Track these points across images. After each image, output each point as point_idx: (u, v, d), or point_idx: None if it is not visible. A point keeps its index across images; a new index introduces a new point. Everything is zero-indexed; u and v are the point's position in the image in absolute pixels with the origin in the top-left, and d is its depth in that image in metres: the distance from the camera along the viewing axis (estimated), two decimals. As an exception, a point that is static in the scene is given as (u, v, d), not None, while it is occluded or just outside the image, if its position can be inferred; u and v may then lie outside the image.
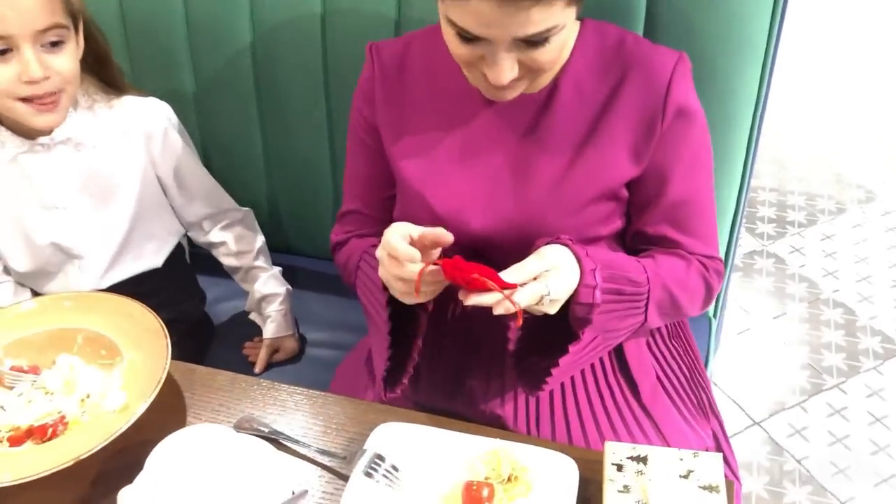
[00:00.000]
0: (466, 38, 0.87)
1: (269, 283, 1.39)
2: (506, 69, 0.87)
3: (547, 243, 0.92)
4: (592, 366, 1.08)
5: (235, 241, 1.39)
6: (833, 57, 3.29)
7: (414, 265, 0.87)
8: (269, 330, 1.37)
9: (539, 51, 0.87)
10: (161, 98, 1.28)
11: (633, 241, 1.07)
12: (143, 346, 0.98)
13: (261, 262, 1.40)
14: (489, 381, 1.06)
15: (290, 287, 1.41)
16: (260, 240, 1.42)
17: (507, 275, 0.84)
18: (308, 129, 1.41)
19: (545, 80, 1.00)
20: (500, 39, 0.85)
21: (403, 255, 0.87)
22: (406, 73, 1.06)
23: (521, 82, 0.93)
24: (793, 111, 2.97)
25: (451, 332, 1.09)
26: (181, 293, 1.40)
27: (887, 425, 1.87)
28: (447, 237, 0.88)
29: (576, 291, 0.90)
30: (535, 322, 0.93)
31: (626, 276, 0.95)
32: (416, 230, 0.89)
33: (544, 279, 0.86)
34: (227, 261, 1.40)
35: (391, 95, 1.06)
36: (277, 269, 1.42)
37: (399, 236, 0.88)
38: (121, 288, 1.23)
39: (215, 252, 1.41)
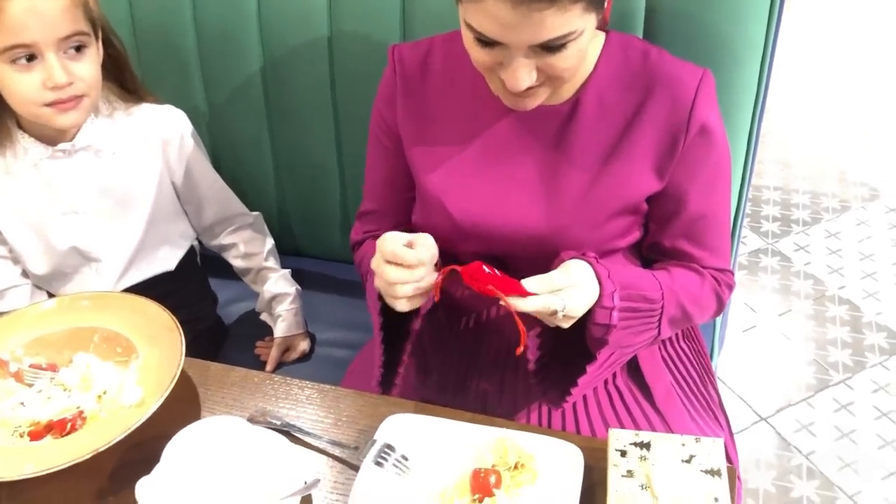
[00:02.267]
0: (484, 42, 0.87)
1: (279, 284, 1.41)
2: (523, 75, 0.87)
3: (572, 257, 0.94)
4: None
5: (245, 244, 1.41)
6: (835, 57, 3.30)
7: (423, 270, 0.90)
8: (280, 329, 1.39)
9: (557, 57, 0.87)
10: (171, 102, 1.31)
11: (650, 251, 1.10)
12: (158, 343, 1.01)
13: (270, 264, 1.43)
14: (501, 384, 1.08)
15: (299, 287, 1.44)
16: (269, 242, 1.45)
17: (530, 283, 0.87)
18: (317, 134, 1.44)
19: (567, 90, 1.00)
20: (516, 44, 0.85)
21: (413, 259, 0.89)
22: (427, 77, 1.07)
23: (540, 90, 0.92)
24: (796, 112, 2.99)
25: (461, 335, 1.11)
26: (194, 295, 1.43)
27: (894, 419, 1.88)
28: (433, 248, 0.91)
29: (593, 311, 0.92)
30: (553, 336, 0.96)
31: (642, 295, 0.97)
32: (411, 237, 0.91)
33: (563, 294, 0.88)
34: (237, 263, 1.43)
35: (412, 99, 1.07)
36: (287, 271, 1.45)
37: (399, 244, 0.90)
38: (135, 290, 1.26)
39: (226, 255, 1.43)
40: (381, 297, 0.98)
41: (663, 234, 1.06)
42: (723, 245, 1.08)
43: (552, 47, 0.85)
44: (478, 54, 0.90)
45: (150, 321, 1.03)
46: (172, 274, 1.35)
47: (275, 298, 1.41)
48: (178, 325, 1.01)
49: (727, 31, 1.17)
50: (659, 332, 1.02)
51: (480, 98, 1.03)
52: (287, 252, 1.55)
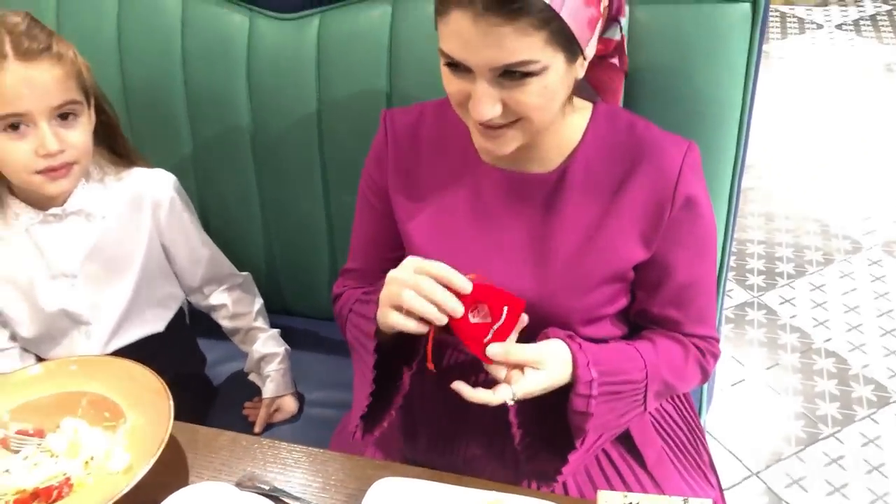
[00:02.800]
0: (453, 67, 0.90)
1: (267, 344, 1.41)
2: (486, 103, 0.88)
3: (557, 336, 0.96)
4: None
5: (234, 304, 1.42)
6: (814, 114, 3.38)
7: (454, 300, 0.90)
8: (269, 389, 1.39)
9: (520, 90, 0.88)
10: (161, 165, 1.33)
11: (637, 318, 1.11)
12: (146, 407, 1.01)
13: (259, 323, 1.43)
14: (489, 449, 1.08)
15: (288, 347, 1.44)
16: (258, 302, 1.45)
17: (495, 349, 0.90)
18: (305, 194, 1.46)
19: (555, 159, 1.02)
20: (477, 65, 0.87)
21: (446, 272, 0.89)
22: (418, 142, 1.09)
23: (510, 133, 0.93)
24: (778, 167, 3.04)
25: (449, 399, 1.11)
26: (182, 356, 1.43)
27: (884, 473, 1.88)
28: (466, 286, 0.90)
29: (570, 399, 0.94)
30: (538, 413, 0.97)
31: (625, 380, 0.99)
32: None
33: (517, 382, 0.91)
34: (226, 323, 1.43)
35: (402, 163, 1.09)
36: (276, 331, 1.45)
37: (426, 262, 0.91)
38: (124, 352, 1.26)
39: (215, 315, 1.44)
40: (376, 334, 0.98)
41: (651, 302, 1.07)
42: (709, 313, 1.09)
43: (513, 75, 0.87)
44: (450, 85, 0.92)
45: (138, 385, 1.03)
46: (162, 335, 1.35)
47: (263, 358, 1.41)
48: (167, 389, 1.01)
49: (705, 94, 1.21)
50: (644, 409, 1.04)
51: (471, 164, 1.06)
52: (276, 311, 1.56)
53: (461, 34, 0.86)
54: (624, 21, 1.06)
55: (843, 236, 2.67)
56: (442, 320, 0.89)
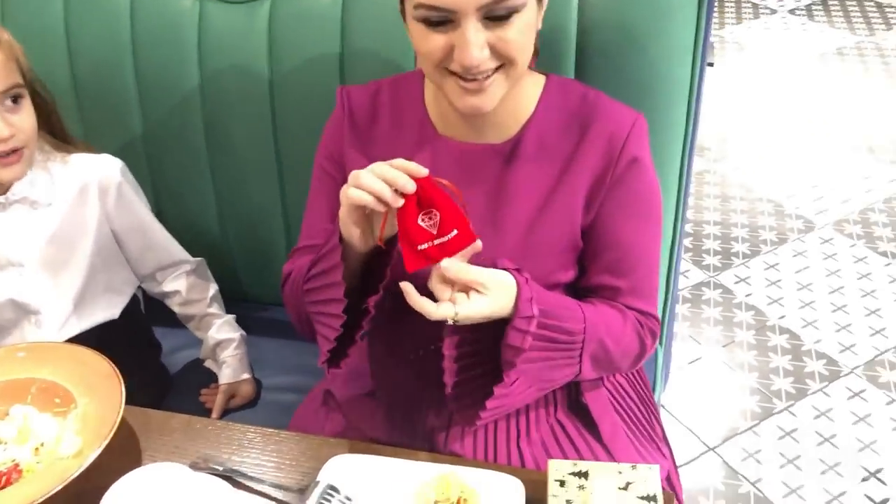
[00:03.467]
0: (433, 22, 0.90)
1: (222, 329, 1.41)
2: (474, 44, 0.90)
3: (505, 268, 0.94)
4: (554, 406, 1.11)
5: (188, 290, 1.41)
6: (767, 98, 3.43)
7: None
8: (225, 375, 1.39)
9: (505, 28, 0.90)
10: (113, 152, 1.32)
11: (579, 292, 1.11)
12: (97, 391, 1.00)
13: (214, 310, 1.43)
14: (448, 418, 1.09)
15: (244, 332, 1.44)
16: (213, 288, 1.45)
17: (449, 263, 0.88)
18: (259, 178, 1.45)
19: (509, 129, 1.03)
20: (464, 7, 0.88)
21: (403, 161, 0.88)
22: (375, 118, 1.10)
23: (494, 82, 0.94)
24: (732, 150, 3.09)
25: (406, 368, 1.12)
26: (137, 344, 1.42)
27: (835, 444, 1.93)
28: (421, 170, 0.89)
29: (506, 332, 0.93)
30: (472, 358, 0.97)
31: (562, 327, 0.98)
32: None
33: (461, 303, 0.89)
34: (180, 310, 1.42)
35: (359, 138, 1.10)
36: (231, 316, 1.44)
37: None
38: (77, 340, 1.24)
39: (169, 302, 1.43)
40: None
41: (591, 269, 1.08)
42: (649, 287, 1.09)
43: (499, 13, 0.89)
44: (430, 43, 0.92)
45: (88, 370, 1.03)
46: (116, 322, 1.34)
47: (219, 344, 1.40)
48: (118, 373, 1.01)
49: (655, 73, 1.23)
50: (580, 370, 1.03)
51: (427, 137, 1.07)
52: (232, 297, 1.55)
53: None
54: None
55: (797, 216, 2.72)
56: (395, 201, 0.87)
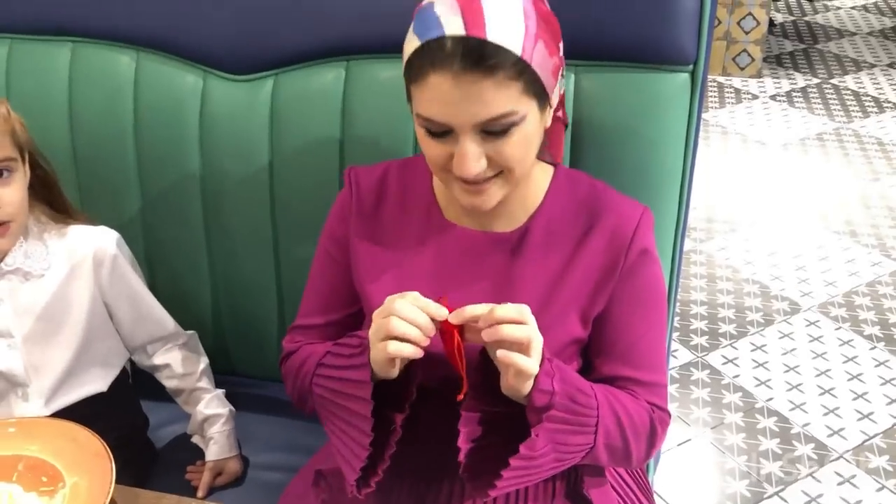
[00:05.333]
0: (434, 133, 0.93)
1: (211, 404, 1.39)
2: (471, 158, 0.91)
3: None
4: (552, 495, 1.08)
5: (179, 364, 1.39)
6: (752, 180, 3.51)
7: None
8: (212, 452, 1.36)
9: (503, 142, 0.92)
10: (110, 225, 1.32)
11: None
12: (86, 470, 0.98)
13: (203, 384, 1.41)
14: (450, 499, 1.07)
15: (233, 408, 1.42)
16: (203, 361, 1.43)
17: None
18: (254, 253, 1.45)
19: (518, 218, 1.05)
20: (460, 124, 0.90)
21: (436, 309, 0.91)
22: (382, 200, 1.11)
23: (494, 186, 0.96)
24: (718, 232, 3.14)
25: (414, 453, 1.10)
26: (124, 418, 1.39)
27: (827, 532, 1.91)
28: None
29: (530, 396, 0.92)
30: (486, 428, 0.96)
31: (579, 388, 0.97)
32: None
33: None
34: (170, 383, 1.40)
35: (366, 221, 1.11)
36: (220, 391, 1.43)
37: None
38: (65, 413, 1.23)
39: (158, 375, 1.41)
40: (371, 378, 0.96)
41: (601, 360, 1.07)
42: (658, 378, 1.08)
43: (496, 129, 0.91)
44: (431, 150, 0.95)
45: (79, 447, 1.01)
46: (104, 395, 1.31)
47: (207, 420, 1.38)
48: (109, 451, 0.99)
49: (648, 159, 1.25)
50: (595, 443, 1.00)
51: (434, 223, 1.08)
52: (222, 371, 1.53)
53: (442, 96, 0.89)
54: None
55: (782, 297, 2.75)
56: (424, 341, 0.91)
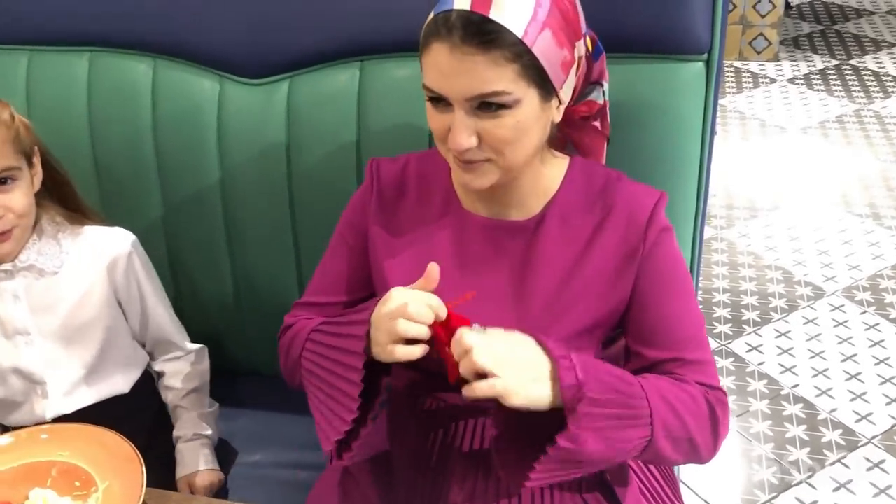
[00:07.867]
0: (434, 101, 0.95)
1: (185, 425, 1.37)
2: (461, 132, 0.93)
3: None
4: (578, 487, 1.07)
5: (172, 376, 1.39)
6: (773, 164, 3.48)
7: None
8: (179, 468, 1.33)
9: (494, 122, 0.93)
10: (131, 229, 1.33)
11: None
12: (118, 475, 1.00)
13: (185, 404, 1.38)
14: (472, 494, 1.07)
15: (210, 432, 1.38)
16: (200, 380, 1.41)
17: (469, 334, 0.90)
18: (275, 256, 1.47)
19: (534, 206, 1.06)
20: (454, 95, 0.93)
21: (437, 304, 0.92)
22: (402, 189, 1.13)
23: (486, 165, 0.97)
24: (739, 219, 3.12)
25: (431, 442, 1.11)
26: (151, 421, 1.41)
27: (857, 517, 1.89)
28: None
29: (560, 397, 0.90)
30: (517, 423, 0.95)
31: (614, 375, 0.95)
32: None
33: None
34: (162, 393, 1.40)
35: (386, 211, 1.13)
36: (212, 410, 1.41)
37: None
38: (88, 413, 1.24)
39: (157, 383, 1.41)
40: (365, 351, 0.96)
41: (641, 347, 1.05)
42: (703, 354, 1.05)
43: (489, 107, 0.93)
44: (433, 121, 0.98)
45: (109, 452, 1.02)
46: (127, 397, 1.33)
47: (178, 439, 1.37)
48: (139, 456, 1.00)
49: (665, 148, 1.26)
50: (652, 435, 0.96)
51: (453, 211, 1.10)
52: (245, 372, 1.55)
53: (439, 65, 0.92)
54: (607, 86, 1.11)
55: (805, 283, 2.73)
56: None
